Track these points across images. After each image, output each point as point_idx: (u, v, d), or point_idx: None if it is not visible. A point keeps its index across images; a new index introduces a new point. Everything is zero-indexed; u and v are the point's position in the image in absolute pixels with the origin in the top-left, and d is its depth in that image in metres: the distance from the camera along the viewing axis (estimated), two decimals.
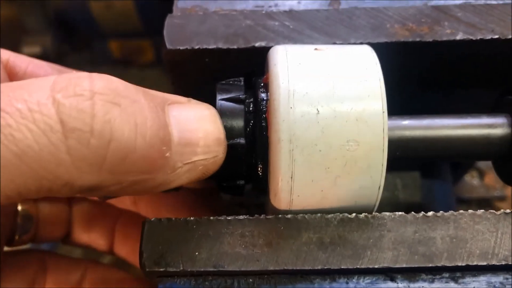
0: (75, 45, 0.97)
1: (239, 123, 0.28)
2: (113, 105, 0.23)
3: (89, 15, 0.85)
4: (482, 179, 0.62)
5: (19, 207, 0.37)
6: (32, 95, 0.22)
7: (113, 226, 0.40)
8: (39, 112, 0.21)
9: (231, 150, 0.28)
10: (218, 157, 0.27)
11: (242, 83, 0.30)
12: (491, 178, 0.62)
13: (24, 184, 0.22)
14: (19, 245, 0.39)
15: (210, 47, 0.32)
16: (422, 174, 0.47)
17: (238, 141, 0.28)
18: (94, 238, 0.40)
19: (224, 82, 0.30)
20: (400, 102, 0.33)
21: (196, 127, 0.26)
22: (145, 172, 0.24)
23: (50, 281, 0.38)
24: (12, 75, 0.33)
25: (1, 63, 0.32)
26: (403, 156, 0.31)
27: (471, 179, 0.62)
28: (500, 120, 0.31)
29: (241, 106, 0.29)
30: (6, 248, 0.38)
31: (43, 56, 0.91)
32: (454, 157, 0.32)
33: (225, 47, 0.32)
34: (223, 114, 0.29)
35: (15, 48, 0.89)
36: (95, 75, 0.24)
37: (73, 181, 0.22)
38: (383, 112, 0.26)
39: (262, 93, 0.29)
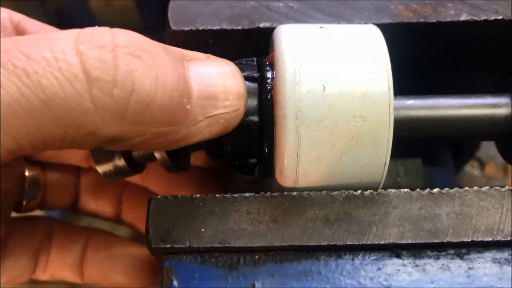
0: None
1: (253, 101, 0.28)
2: (135, 57, 0.23)
3: (88, 13, 0.85)
4: (483, 170, 0.62)
5: (27, 173, 0.38)
6: (57, 46, 0.22)
7: (120, 195, 0.41)
8: (64, 61, 0.22)
9: (245, 128, 0.28)
10: (239, 111, 0.27)
11: (255, 62, 0.30)
12: (492, 168, 0.62)
13: (49, 131, 0.22)
14: (26, 211, 0.39)
15: (215, 28, 0.32)
16: (424, 161, 0.47)
17: (251, 118, 0.28)
18: (101, 206, 0.40)
19: (236, 62, 0.30)
20: (404, 83, 0.33)
21: (216, 81, 0.26)
22: (167, 124, 0.24)
23: (55, 247, 0.39)
24: None
25: (13, 24, 0.33)
26: (408, 135, 0.31)
27: (471, 169, 0.62)
28: (504, 100, 0.32)
29: (255, 84, 0.29)
30: (13, 214, 0.38)
31: None
32: (458, 137, 0.32)
33: (229, 28, 0.32)
34: None
35: None
36: (116, 30, 0.24)
37: (96, 130, 0.23)
38: (389, 88, 0.27)
39: (267, 71, 0.29)
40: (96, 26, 0.24)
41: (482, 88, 0.33)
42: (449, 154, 0.50)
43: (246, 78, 0.28)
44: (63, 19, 0.90)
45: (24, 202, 0.38)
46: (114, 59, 0.23)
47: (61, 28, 0.87)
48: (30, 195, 0.38)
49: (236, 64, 0.29)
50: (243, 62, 0.30)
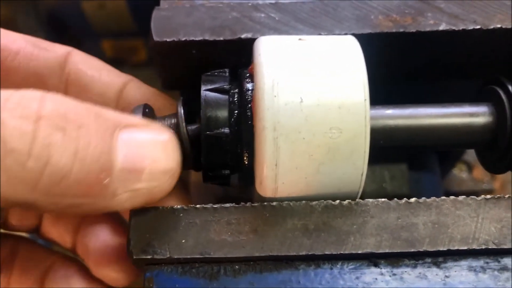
0: (68, 45, 0.97)
1: (223, 113, 0.29)
2: (57, 129, 0.23)
3: (81, 15, 0.86)
4: (470, 173, 0.63)
5: None
6: None
7: (79, 223, 0.39)
8: None
9: (216, 140, 0.29)
10: (164, 186, 0.27)
11: (227, 74, 0.30)
12: (480, 171, 0.63)
13: None
14: None
15: (197, 39, 0.33)
16: (410, 166, 0.48)
17: (222, 130, 0.29)
18: (61, 235, 0.39)
19: (209, 73, 0.31)
20: (384, 93, 0.33)
21: (144, 154, 0.26)
22: (81, 196, 0.24)
23: (17, 267, 0.38)
24: None
25: None
26: (386, 145, 0.31)
27: (459, 172, 0.63)
28: (482, 109, 0.32)
29: (225, 96, 0.29)
30: None
31: None
32: (438, 146, 0.33)
33: (211, 38, 0.33)
34: (207, 104, 0.29)
35: None
36: (48, 96, 0.24)
37: (6, 196, 0.23)
38: (365, 100, 0.27)
39: (247, 83, 0.29)
40: (28, 90, 0.24)
41: (462, 97, 0.34)
42: (435, 158, 0.50)
43: (217, 90, 0.29)
44: (56, 21, 0.90)
45: None
46: (34, 131, 0.23)
47: (54, 32, 0.86)
48: None
49: (208, 75, 0.29)
50: (216, 73, 0.30)
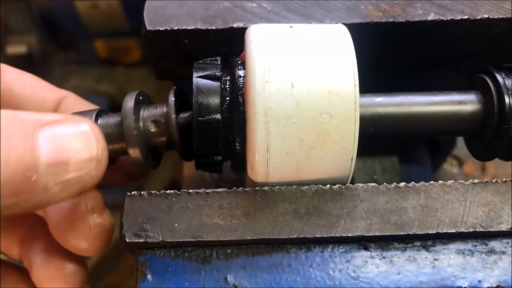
0: (61, 45, 0.97)
1: (215, 99, 0.29)
2: None
3: (74, 15, 0.86)
4: (461, 168, 0.63)
5: None
6: None
7: (23, 236, 0.39)
8: None
9: (207, 126, 0.29)
10: (94, 173, 0.28)
11: (219, 62, 0.31)
12: (470, 166, 0.63)
13: None
14: None
15: (189, 27, 0.33)
16: (401, 159, 0.48)
17: (214, 116, 0.29)
18: (9, 246, 0.38)
19: (201, 61, 0.31)
20: (375, 82, 0.34)
21: (68, 146, 0.27)
22: (13, 196, 0.25)
23: None
24: None
25: None
26: (376, 132, 0.32)
27: (450, 167, 0.63)
28: (470, 97, 0.33)
29: (217, 83, 0.29)
30: None
31: (29, 56, 0.92)
32: (427, 133, 0.33)
33: (203, 27, 0.33)
34: (199, 91, 0.29)
35: (0, 48, 0.90)
36: None
37: None
38: (355, 85, 0.27)
39: (239, 70, 0.30)
40: None
41: (452, 87, 0.34)
42: (426, 152, 0.51)
43: (209, 77, 0.29)
44: (49, 21, 0.90)
45: None
46: None
47: (46, 29, 0.86)
48: None
49: (200, 63, 0.30)
50: (208, 61, 0.30)
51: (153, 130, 0.31)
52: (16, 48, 0.92)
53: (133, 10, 0.85)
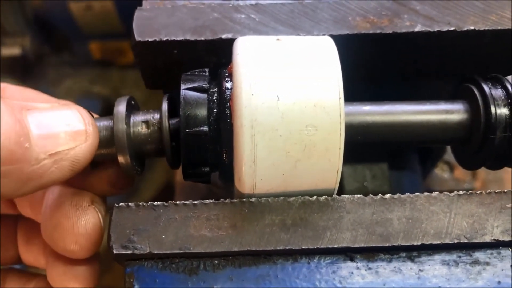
0: (55, 46, 0.97)
1: (202, 111, 0.29)
2: None
3: (68, 16, 0.86)
4: (452, 172, 0.64)
5: None
6: None
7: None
8: None
9: (194, 138, 0.29)
10: (83, 147, 0.29)
11: (207, 73, 0.31)
12: (461, 171, 0.64)
13: None
14: None
15: (178, 38, 0.33)
16: (391, 166, 0.49)
17: (201, 128, 0.29)
18: (36, 257, 0.40)
19: (189, 73, 0.31)
20: (363, 92, 0.34)
21: (56, 123, 0.28)
22: (6, 161, 0.26)
23: None
24: None
25: None
26: (364, 140, 0.32)
27: (441, 172, 0.64)
28: (457, 106, 0.33)
29: (205, 95, 0.30)
30: None
31: (23, 58, 0.92)
32: (414, 142, 0.33)
33: (192, 38, 0.33)
34: (186, 103, 0.30)
35: None
36: None
37: None
38: (340, 98, 0.28)
39: (226, 82, 0.30)
40: None
41: (439, 96, 0.35)
42: (415, 157, 0.51)
43: (196, 89, 0.29)
44: (43, 22, 0.90)
45: None
46: None
47: (40, 31, 0.85)
48: None
49: (188, 75, 0.30)
50: (196, 72, 0.31)
51: (143, 136, 0.31)
52: (10, 50, 0.92)
53: (127, 12, 0.85)
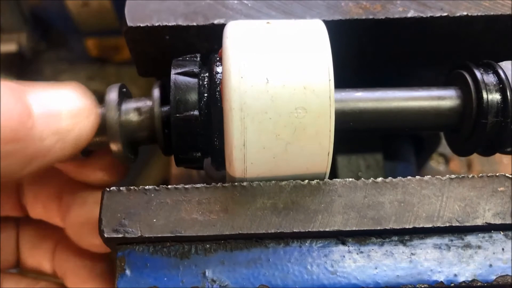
0: (52, 43, 0.97)
1: (192, 96, 0.29)
2: None
3: (65, 13, 0.86)
4: (447, 165, 0.64)
5: None
6: None
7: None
8: None
9: (185, 122, 0.29)
10: (85, 123, 0.29)
11: (198, 58, 0.31)
12: (456, 163, 0.64)
13: None
14: None
15: (170, 24, 0.33)
16: (385, 156, 0.48)
17: (191, 113, 0.29)
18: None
19: (180, 58, 0.31)
20: (356, 79, 0.34)
21: (58, 100, 0.28)
22: (10, 141, 0.25)
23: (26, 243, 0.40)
24: None
25: None
26: (356, 127, 0.32)
27: (437, 165, 0.64)
28: (449, 92, 0.33)
29: (195, 80, 0.30)
30: None
31: (19, 54, 0.91)
32: (406, 128, 0.33)
33: (184, 24, 0.33)
34: (177, 87, 0.29)
35: None
36: None
37: None
38: (330, 80, 0.28)
39: (217, 66, 0.30)
40: None
41: (432, 82, 0.34)
42: (410, 148, 0.51)
43: (187, 74, 0.29)
44: (40, 19, 0.90)
45: None
46: None
47: (37, 27, 0.85)
48: None
49: (179, 60, 0.30)
50: (187, 58, 0.31)
51: (135, 123, 0.31)
52: (6, 47, 0.92)
53: (124, 8, 0.85)
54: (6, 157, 0.26)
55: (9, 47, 0.92)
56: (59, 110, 0.28)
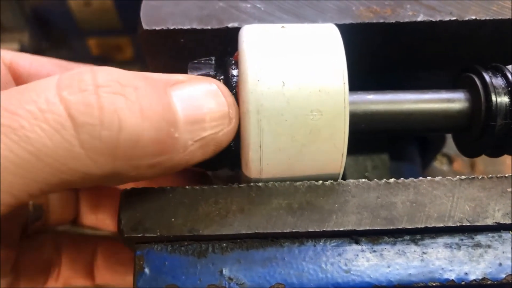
0: (53, 42, 0.97)
1: None
2: (117, 95, 0.24)
3: (67, 12, 0.86)
4: (451, 165, 0.64)
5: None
6: (40, 96, 0.23)
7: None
8: (49, 111, 0.22)
9: None
10: (226, 130, 0.28)
11: (213, 61, 0.32)
12: (459, 164, 0.65)
13: (44, 180, 0.23)
14: (32, 232, 0.40)
15: (185, 27, 0.34)
16: (391, 156, 0.49)
17: None
18: (102, 219, 0.41)
19: (196, 61, 0.32)
20: (367, 81, 0.35)
21: (200, 104, 0.27)
22: (158, 154, 0.25)
23: (65, 260, 0.40)
24: (17, 76, 0.34)
25: (5, 65, 0.33)
26: (368, 128, 0.33)
27: (440, 165, 0.64)
28: (458, 95, 0.34)
29: None
30: None
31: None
32: (417, 130, 0.34)
33: (199, 27, 0.34)
34: None
35: None
36: (96, 68, 0.25)
37: (90, 171, 0.24)
38: (344, 83, 0.28)
39: (232, 69, 0.31)
40: (75, 66, 0.24)
41: (441, 85, 0.35)
42: (415, 149, 0.52)
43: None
44: (41, 19, 0.90)
45: (30, 225, 0.39)
46: (98, 100, 0.23)
47: (39, 27, 0.86)
48: (35, 217, 0.39)
49: (195, 63, 0.31)
50: (202, 61, 0.31)
51: None
52: (8, 46, 0.92)
53: (125, 8, 0.85)
54: (151, 168, 0.25)
55: (11, 46, 0.92)
56: (203, 115, 0.26)
